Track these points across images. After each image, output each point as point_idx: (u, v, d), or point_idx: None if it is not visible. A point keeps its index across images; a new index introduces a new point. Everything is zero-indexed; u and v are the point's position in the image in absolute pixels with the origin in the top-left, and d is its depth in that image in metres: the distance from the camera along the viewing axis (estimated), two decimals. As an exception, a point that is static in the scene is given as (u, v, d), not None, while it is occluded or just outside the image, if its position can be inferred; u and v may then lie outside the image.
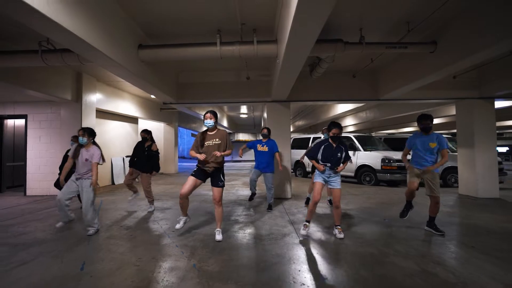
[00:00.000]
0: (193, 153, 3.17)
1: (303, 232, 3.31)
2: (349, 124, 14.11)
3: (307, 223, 3.35)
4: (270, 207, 4.70)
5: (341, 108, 10.25)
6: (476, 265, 2.44)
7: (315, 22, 2.58)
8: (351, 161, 4.71)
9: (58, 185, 4.85)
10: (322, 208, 4.77)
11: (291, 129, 20.14)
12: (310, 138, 10.27)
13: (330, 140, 3.28)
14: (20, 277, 2.31)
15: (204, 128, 3.31)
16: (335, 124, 3.23)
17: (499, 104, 7.37)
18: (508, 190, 6.89)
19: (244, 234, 3.42)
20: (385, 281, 2.21)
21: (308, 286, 2.13)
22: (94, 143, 3.53)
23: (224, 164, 3.39)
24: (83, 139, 3.40)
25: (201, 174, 3.19)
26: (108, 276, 2.31)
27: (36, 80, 5.15)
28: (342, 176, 8.68)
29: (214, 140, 3.16)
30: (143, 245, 3.07)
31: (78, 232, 3.52)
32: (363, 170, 8.13)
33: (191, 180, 3.14)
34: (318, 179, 3.30)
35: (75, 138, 4.86)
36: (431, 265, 2.45)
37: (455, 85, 6.07)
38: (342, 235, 3.20)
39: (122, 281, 2.22)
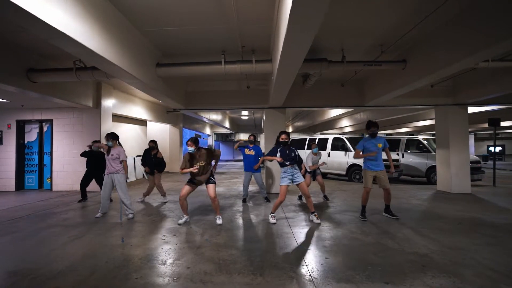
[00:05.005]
0: (185, 170, 3.73)
1: (272, 221, 4.01)
2: (346, 125, 14.86)
3: (273, 215, 4.10)
4: (267, 199, 5.57)
5: (335, 111, 11.05)
6: (417, 240, 3.24)
7: (300, 49, 3.27)
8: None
9: (84, 185, 5.69)
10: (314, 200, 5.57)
11: (291, 130, 20.97)
12: (306, 139, 11.07)
13: (282, 146, 4.04)
14: (79, 245, 3.15)
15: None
16: (283, 132, 4.09)
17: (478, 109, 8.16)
18: (483, 187, 7.65)
19: (244, 220, 4.23)
20: (347, 247, 3.02)
21: (290, 251, 2.94)
22: (119, 144, 4.45)
23: (215, 170, 4.17)
24: (109, 142, 4.31)
25: (194, 182, 3.95)
26: (143, 245, 3.14)
27: (65, 91, 5.96)
28: (334, 174, 9.55)
29: (200, 163, 3.82)
30: (164, 226, 3.90)
31: (110, 219, 4.35)
32: (354, 169, 8.92)
33: (187, 187, 3.92)
34: (284, 182, 3.93)
35: (95, 142, 5.68)
36: (384, 239, 3.25)
37: (433, 92, 6.84)
38: (319, 221, 3.99)
39: (154, 248, 3.05)
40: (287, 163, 3.95)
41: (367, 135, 4.40)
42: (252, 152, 5.54)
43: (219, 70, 4.79)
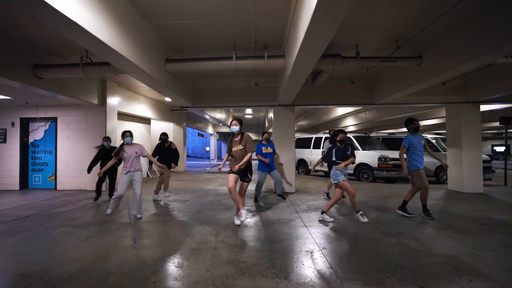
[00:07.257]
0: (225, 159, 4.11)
1: (329, 219, 3.94)
2: (350, 124, 14.73)
3: (325, 212, 4.04)
4: (283, 197, 5.46)
5: (341, 110, 10.91)
6: (441, 240, 3.11)
7: (322, 42, 3.15)
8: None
9: (100, 185, 5.56)
10: (323, 201, 5.44)
11: (295, 129, 20.83)
12: (312, 138, 10.94)
13: (338, 144, 4.05)
14: (90, 246, 3.02)
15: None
16: (340, 130, 4.08)
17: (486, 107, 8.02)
18: (494, 186, 7.52)
19: (258, 220, 4.10)
20: (370, 249, 2.89)
21: (311, 252, 2.81)
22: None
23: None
24: (130, 139, 4.21)
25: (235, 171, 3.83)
26: (157, 246, 3.02)
27: (70, 87, 5.83)
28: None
29: (238, 146, 3.82)
30: (176, 227, 3.77)
31: (119, 218, 4.23)
32: (362, 168, 8.79)
33: (231, 176, 3.79)
34: (342, 178, 3.91)
35: (106, 139, 5.59)
36: (407, 240, 3.13)
37: (444, 90, 6.70)
38: (366, 219, 3.87)
39: (169, 250, 2.92)
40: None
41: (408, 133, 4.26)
42: (270, 150, 5.41)
43: (230, 66, 4.65)
